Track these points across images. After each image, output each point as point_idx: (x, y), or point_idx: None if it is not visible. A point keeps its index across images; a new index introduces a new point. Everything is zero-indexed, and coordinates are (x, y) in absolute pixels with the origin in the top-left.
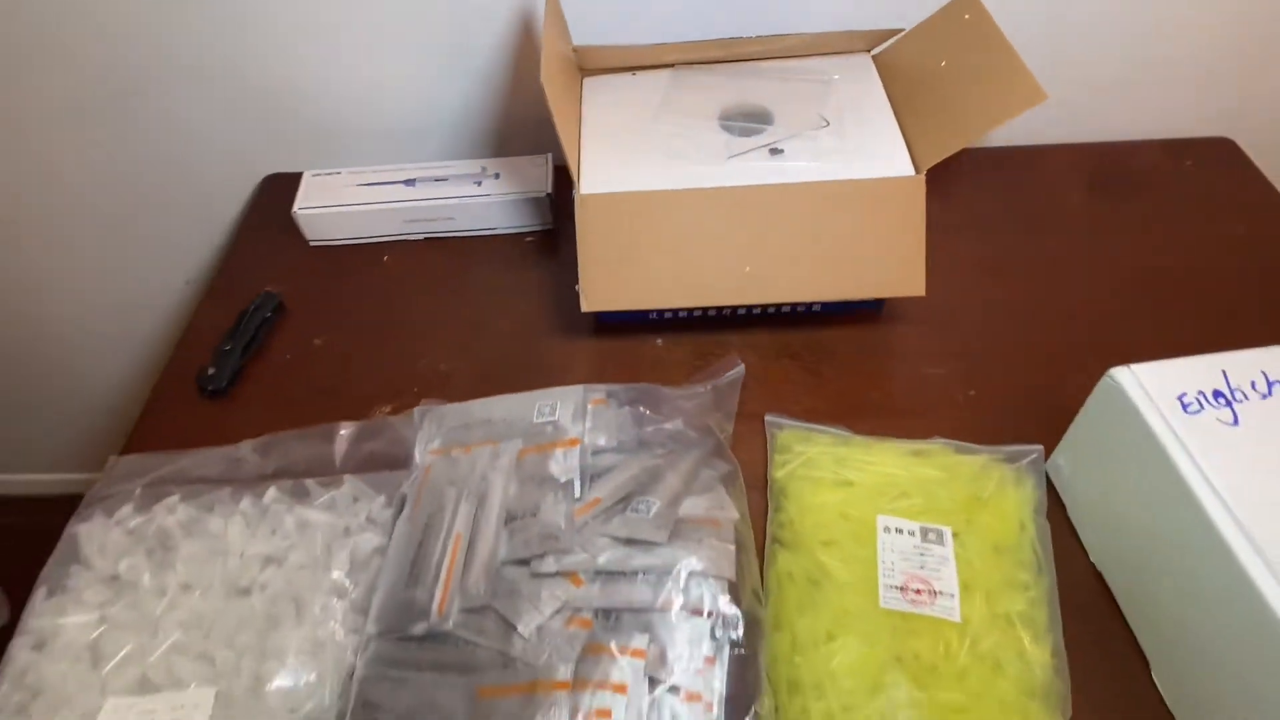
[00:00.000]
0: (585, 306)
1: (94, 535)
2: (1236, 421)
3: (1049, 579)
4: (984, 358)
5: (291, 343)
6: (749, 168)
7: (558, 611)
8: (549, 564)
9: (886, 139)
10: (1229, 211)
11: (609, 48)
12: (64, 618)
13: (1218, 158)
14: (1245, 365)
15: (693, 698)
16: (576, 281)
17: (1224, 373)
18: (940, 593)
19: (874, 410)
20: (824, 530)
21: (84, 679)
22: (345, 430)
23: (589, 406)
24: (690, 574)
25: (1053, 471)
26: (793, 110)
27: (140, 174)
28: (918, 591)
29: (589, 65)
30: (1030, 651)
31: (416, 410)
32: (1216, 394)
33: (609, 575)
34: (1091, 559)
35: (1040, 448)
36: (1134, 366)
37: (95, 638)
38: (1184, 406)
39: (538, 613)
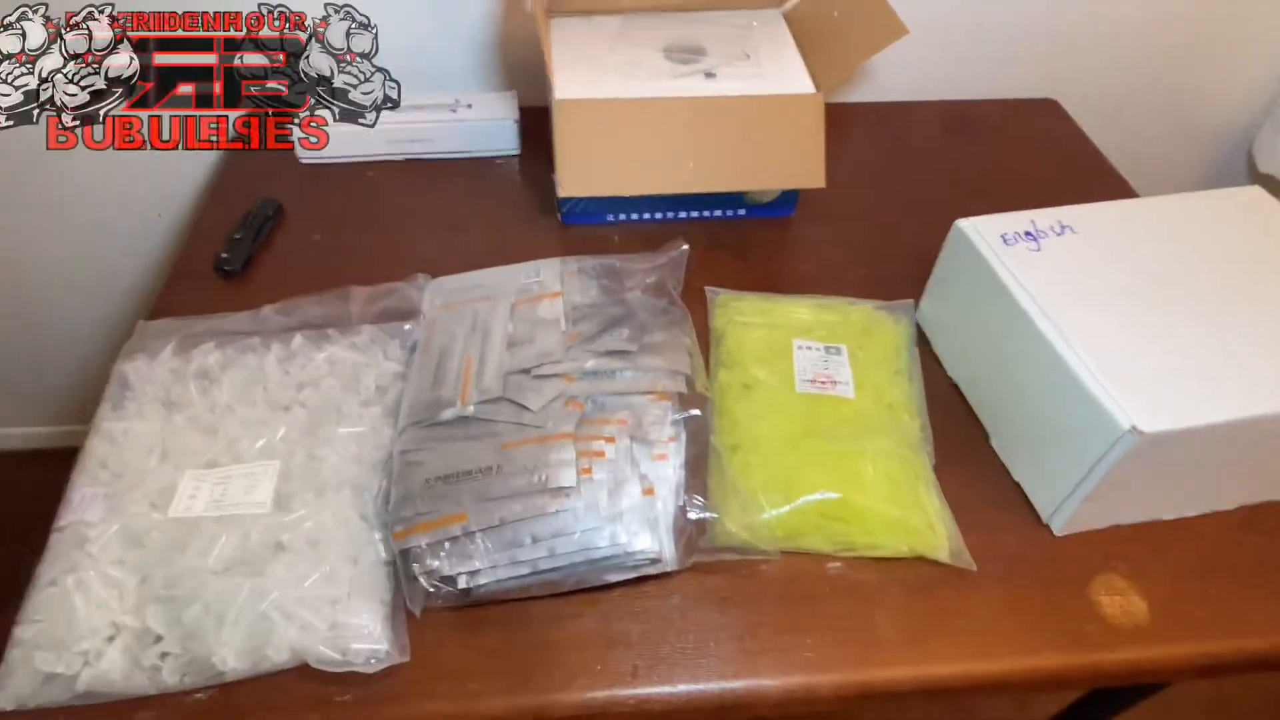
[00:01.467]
0: (561, 192)
1: (141, 370)
2: (1039, 249)
3: (918, 383)
4: (869, 246)
5: (293, 239)
6: (689, 85)
7: (557, 397)
8: (546, 369)
9: (794, 69)
10: (1046, 148)
11: None
12: (129, 423)
13: (1043, 113)
14: (1046, 216)
15: (660, 457)
16: (543, 192)
17: (1032, 221)
18: (839, 382)
19: (787, 285)
20: (753, 355)
21: (158, 465)
22: (358, 293)
23: (565, 276)
24: (655, 370)
25: (920, 318)
26: (721, 47)
27: None
28: (823, 382)
29: (556, 8)
30: (905, 422)
31: (421, 276)
32: (1027, 234)
33: (594, 375)
34: (948, 373)
35: (911, 300)
36: (971, 219)
37: (162, 438)
38: (1004, 241)
39: (541, 396)
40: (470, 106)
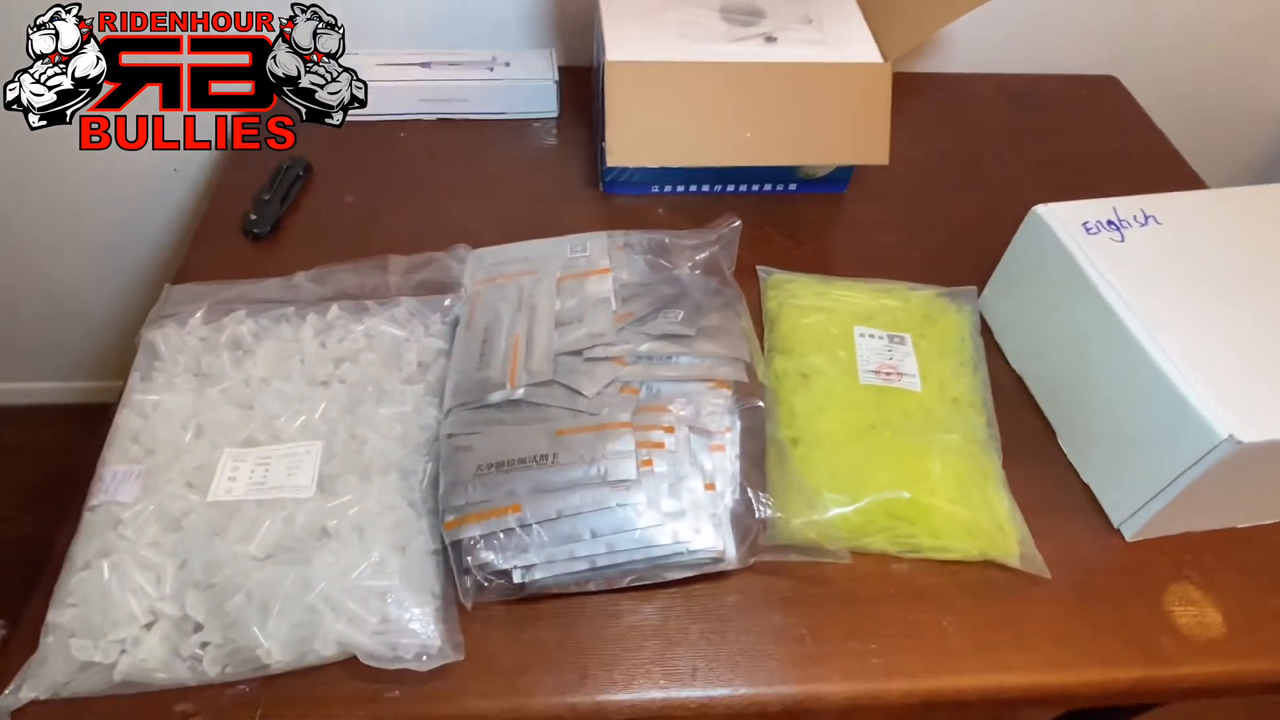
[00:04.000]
0: (610, 160)
1: (170, 339)
2: (1123, 240)
3: (983, 374)
4: (925, 227)
5: (324, 200)
6: (748, 49)
7: (611, 382)
8: (599, 352)
9: (859, 35)
10: (1108, 125)
11: None
12: (160, 395)
13: (1104, 90)
14: (1129, 205)
15: (717, 449)
16: (598, 145)
17: (1114, 209)
18: (905, 374)
19: (839, 266)
20: (811, 342)
21: (193, 442)
22: (397, 262)
23: (611, 251)
24: (714, 357)
25: (983, 306)
26: (781, 9)
27: None
28: (888, 374)
29: None
30: (971, 417)
31: (461, 247)
32: (1110, 223)
33: (649, 359)
34: (1012, 365)
35: (973, 287)
36: (1050, 205)
37: (195, 412)
38: (1086, 230)
39: (595, 381)
40: (508, 65)
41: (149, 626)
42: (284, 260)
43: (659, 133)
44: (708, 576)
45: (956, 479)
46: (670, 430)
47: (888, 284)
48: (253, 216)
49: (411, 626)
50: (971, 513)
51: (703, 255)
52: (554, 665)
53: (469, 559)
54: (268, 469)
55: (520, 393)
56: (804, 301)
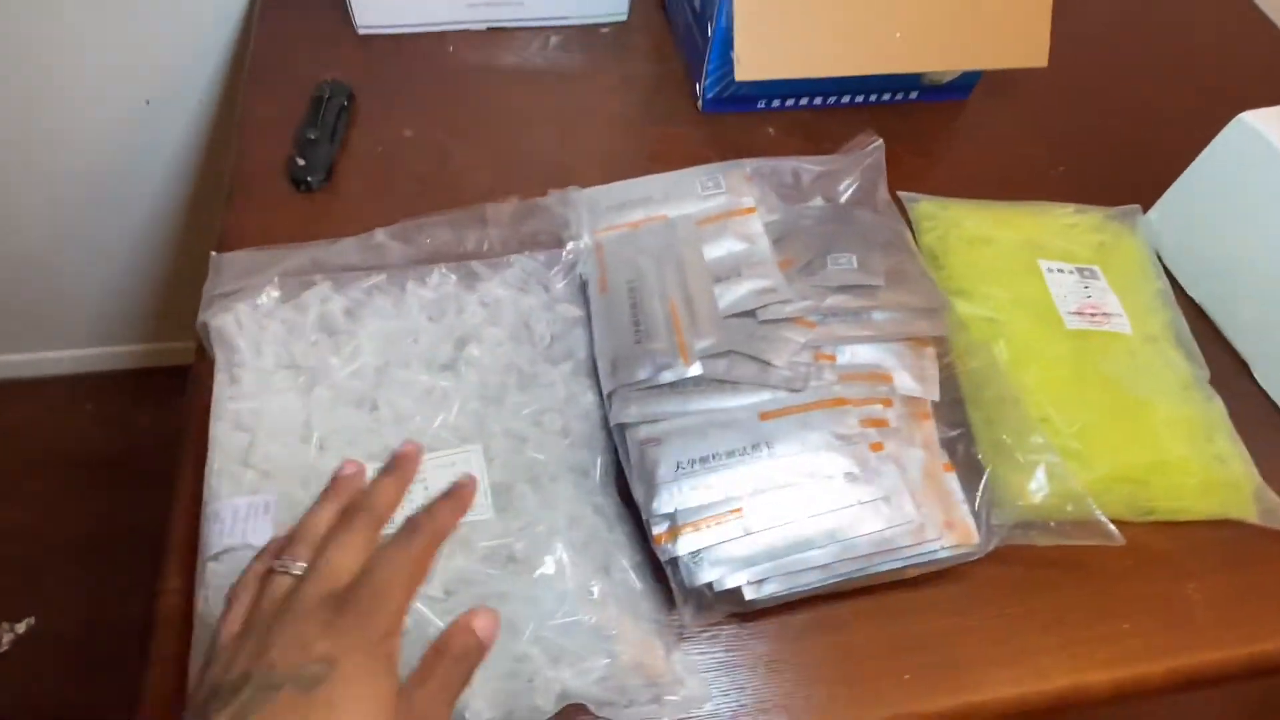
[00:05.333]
0: (739, 75)
1: (246, 325)
2: None
3: (1176, 308)
4: (1066, 137)
5: (378, 136)
6: None
7: (803, 348)
8: (775, 311)
9: None
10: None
11: None
12: (258, 400)
13: None
14: None
15: (923, 417)
16: (668, 72)
17: None
18: (1111, 314)
19: (977, 187)
20: (990, 280)
21: (318, 457)
22: (496, 211)
23: (746, 181)
24: (908, 310)
25: (1144, 226)
26: None
27: None
28: (1092, 314)
29: None
30: (1176, 358)
31: (569, 191)
32: None
33: (837, 317)
34: (1189, 294)
35: (1136, 206)
36: (1258, 111)
37: (307, 418)
38: None
39: (785, 348)
40: None
41: None
42: (346, 214)
43: (795, 39)
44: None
45: (1187, 431)
46: (888, 403)
47: (1042, 205)
48: (300, 161)
49: (643, 662)
50: (1205, 468)
51: (848, 183)
52: (792, 687)
53: (688, 576)
54: (425, 486)
55: (696, 368)
56: (969, 231)
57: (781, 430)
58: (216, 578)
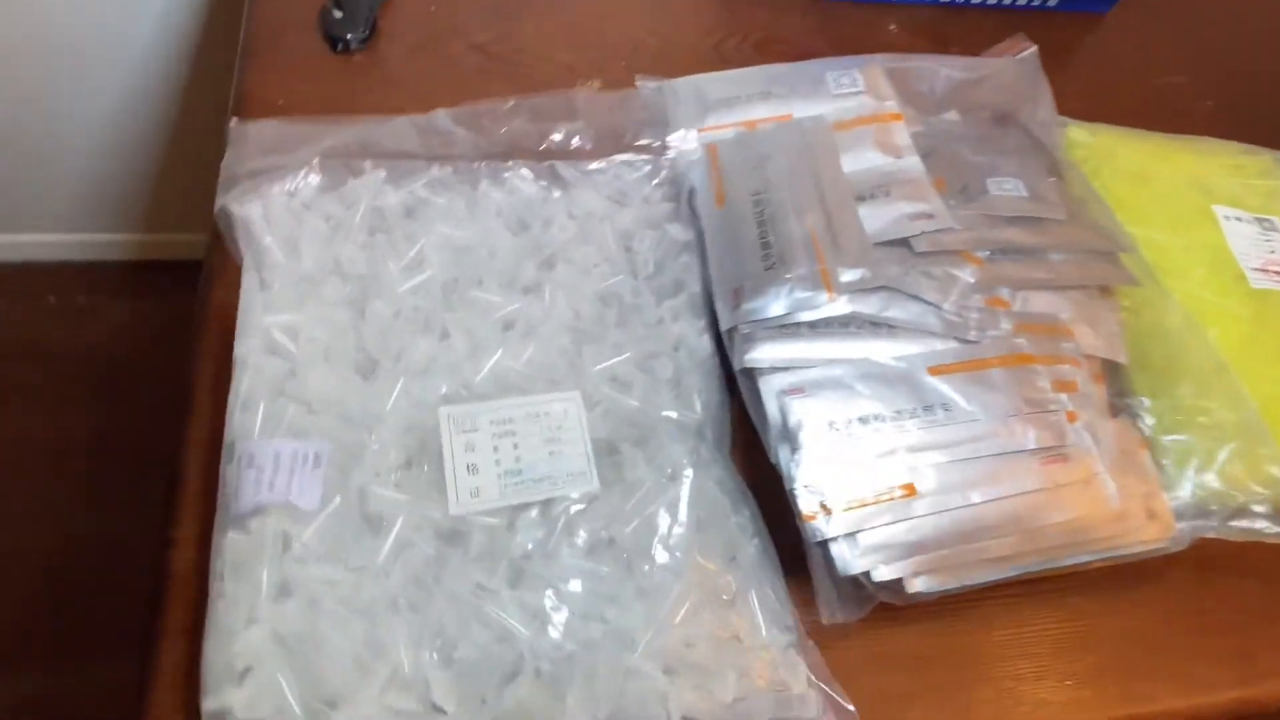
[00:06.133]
0: None
1: (277, 218)
2: None
3: None
4: (1215, 66)
5: None
6: None
7: (971, 288)
8: (935, 241)
9: None
10: None
11: None
12: (297, 314)
13: None
14: None
15: (1099, 379)
16: None
17: None
18: None
19: (1117, 117)
20: (1151, 221)
21: (379, 394)
22: (588, 101)
23: (887, 80)
24: (1085, 251)
25: None
26: None
27: None
28: (1276, 273)
29: None
30: None
31: (672, 82)
32: None
33: (1006, 254)
34: None
35: None
36: None
37: (360, 341)
38: None
39: (953, 288)
40: None
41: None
42: (391, 84)
43: None
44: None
45: None
46: (1077, 363)
47: (1203, 141)
48: (337, 14)
49: (780, 677)
50: None
51: (995, 94)
52: (947, 691)
53: (841, 563)
54: (516, 443)
55: (843, 304)
56: (1125, 164)
57: (958, 390)
58: (237, 553)
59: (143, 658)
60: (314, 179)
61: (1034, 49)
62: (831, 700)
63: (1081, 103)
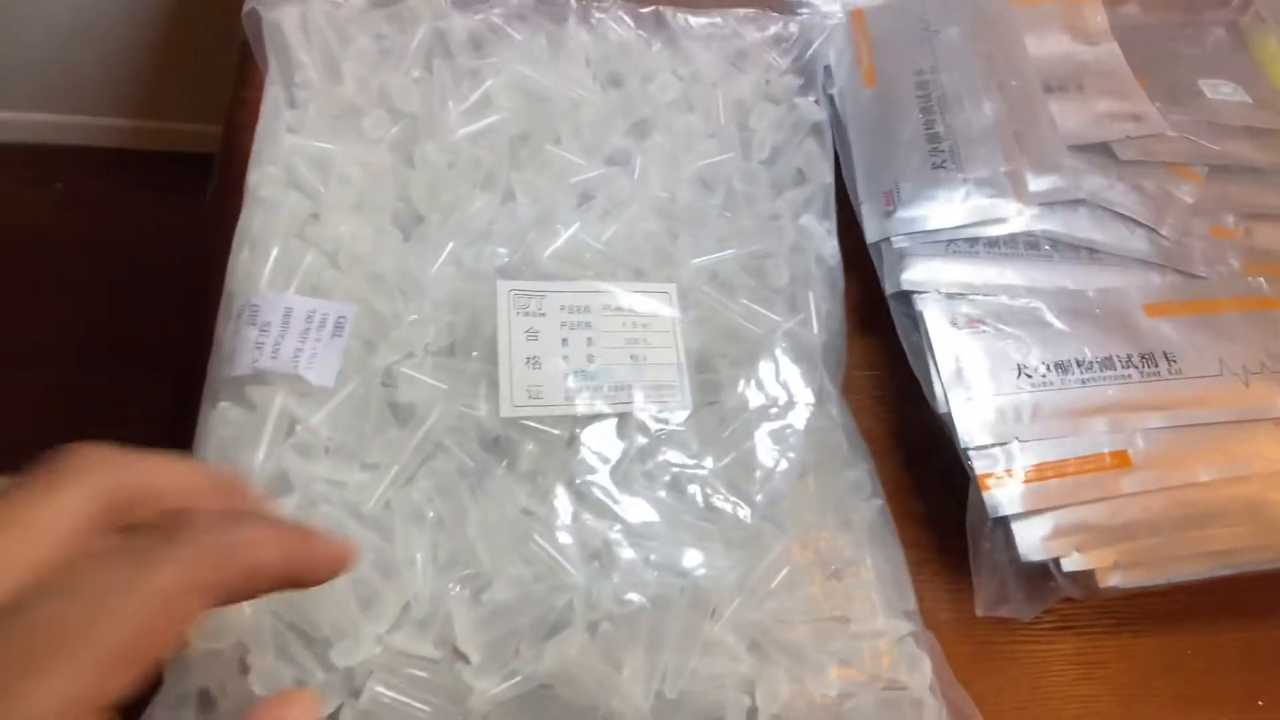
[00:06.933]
0: None
1: (316, 31)
2: None
3: None
4: None
5: None
6: None
7: (1192, 209)
8: (1144, 150)
9: None
10: None
11: None
12: (332, 143)
13: None
14: None
15: None
16: None
17: None
18: None
19: None
20: None
21: (415, 250)
22: None
23: None
24: None
25: None
26: None
27: None
28: None
29: None
30: None
31: None
32: None
33: (1228, 170)
34: None
35: None
36: None
37: (404, 186)
38: None
39: (1171, 208)
40: None
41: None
42: None
43: None
44: None
45: None
46: None
47: None
48: None
49: (895, 675)
50: None
51: None
52: (1116, 706)
53: (1025, 545)
54: (590, 338)
55: (1035, 217)
56: None
57: (1185, 336)
58: (228, 429)
59: None
60: None
61: None
62: (956, 709)
63: None
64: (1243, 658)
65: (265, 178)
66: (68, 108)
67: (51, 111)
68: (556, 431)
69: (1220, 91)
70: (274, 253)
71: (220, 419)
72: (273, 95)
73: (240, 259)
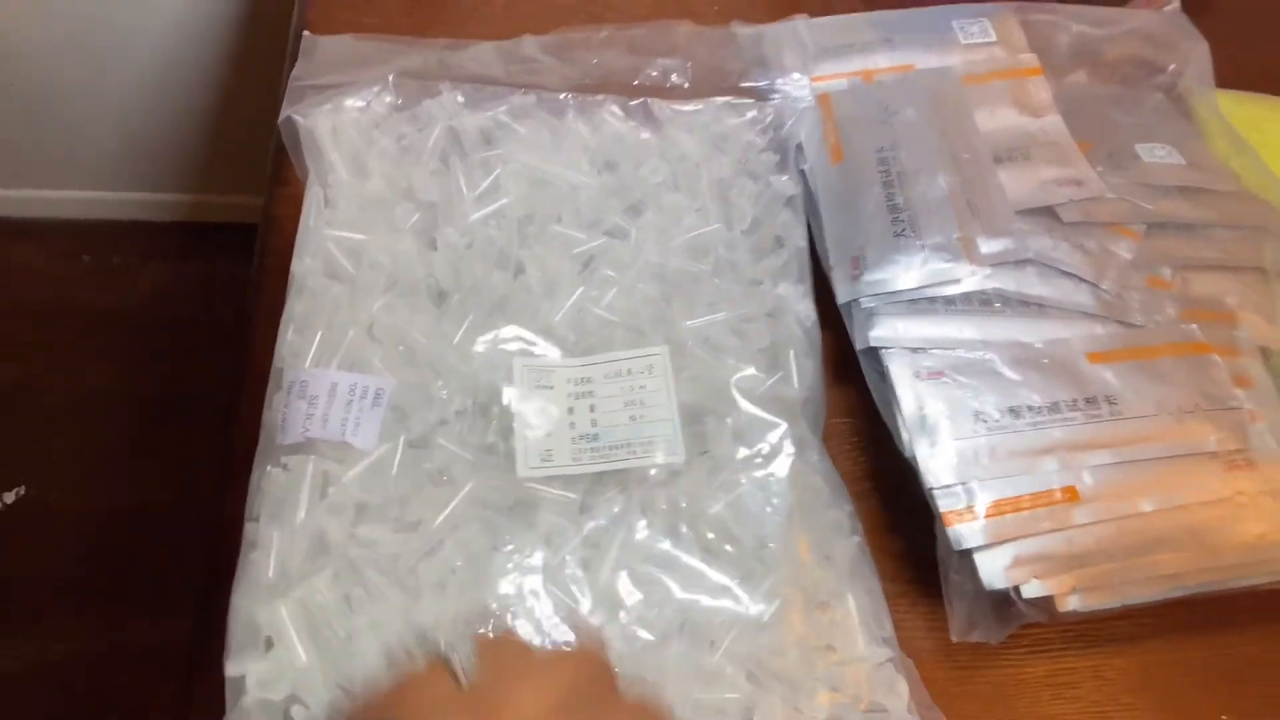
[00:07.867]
0: None
1: (345, 134)
2: None
3: None
4: None
5: None
6: None
7: (1130, 266)
8: (1085, 211)
9: None
10: None
11: None
12: (364, 234)
13: None
14: None
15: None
16: None
17: None
18: None
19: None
20: None
21: (446, 330)
22: (681, 35)
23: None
24: (1244, 227)
25: None
26: None
27: None
28: None
29: None
30: None
31: (773, 27)
32: None
33: (1163, 229)
34: None
35: None
36: None
37: (427, 268)
38: None
39: (1110, 264)
40: None
41: None
42: (467, 10)
43: None
44: None
45: None
46: (1254, 356)
47: None
48: None
49: (876, 698)
50: None
51: (1141, 48)
52: None
53: (987, 574)
54: (593, 403)
55: (986, 277)
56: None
57: (1124, 381)
58: (278, 488)
59: (199, 611)
60: (387, 98)
61: (1175, 2)
62: None
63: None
64: (1208, 673)
65: (307, 269)
66: (93, 184)
67: (80, 189)
68: (573, 495)
69: (1155, 154)
70: (319, 334)
71: (271, 483)
72: (313, 197)
73: (288, 339)
